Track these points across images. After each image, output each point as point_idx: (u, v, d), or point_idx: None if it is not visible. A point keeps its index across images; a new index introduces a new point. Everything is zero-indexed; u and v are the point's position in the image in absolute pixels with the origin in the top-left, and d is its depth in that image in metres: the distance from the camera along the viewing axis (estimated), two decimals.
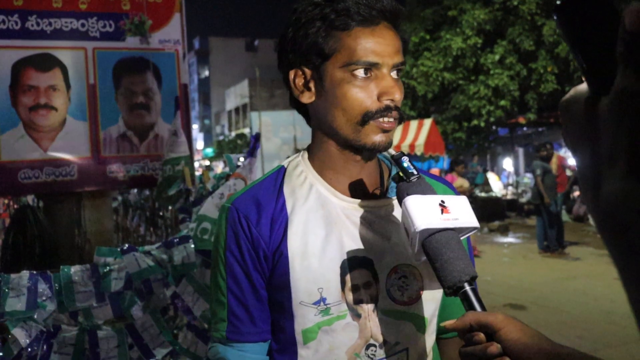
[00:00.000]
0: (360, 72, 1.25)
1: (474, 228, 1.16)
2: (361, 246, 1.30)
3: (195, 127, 62.90)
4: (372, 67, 1.26)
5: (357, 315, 1.28)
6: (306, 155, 1.41)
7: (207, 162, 41.24)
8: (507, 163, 25.25)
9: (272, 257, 1.30)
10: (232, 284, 1.33)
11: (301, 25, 1.29)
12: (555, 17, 0.62)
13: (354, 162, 1.35)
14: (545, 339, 1.01)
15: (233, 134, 48.80)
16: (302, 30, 1.29)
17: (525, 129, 23.29)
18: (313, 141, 1.40)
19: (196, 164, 34.10)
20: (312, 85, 1.32)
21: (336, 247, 1.28)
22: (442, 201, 1.14)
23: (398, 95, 1.27)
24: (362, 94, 1.26)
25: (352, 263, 1.28)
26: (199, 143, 59.60)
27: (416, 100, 21.55)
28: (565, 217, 14.85)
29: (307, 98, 1.33)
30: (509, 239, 13.47)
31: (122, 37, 3.76)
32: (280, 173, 1.39)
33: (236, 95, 52.29)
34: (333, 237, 1.29)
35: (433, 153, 16.61)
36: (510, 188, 20.78)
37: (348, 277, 1.28)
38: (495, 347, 0.99)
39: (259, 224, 1.30)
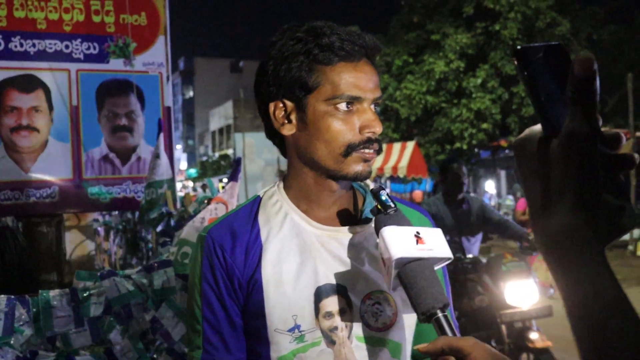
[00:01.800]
0: (342, 106, 1.28)
1: (448, 259, 1.20)
2: (336, 273, 1.32)
3: (178, 147, 62.76)
4: (354, 101, 1.29)
5: (331, 342, 1.30)
6: (282, 185, 1.43)
7: (190, 183, 41.06)
8: (490, 185, 25.42)
9: (246, 285, 1.31)
10: (207, 312, 1.33)
11: (283, 59, 1.31)
12: (514, 61, 0.66)
13: (329, 192, 1.37)
14: None
15: (217, 154, 48.71)
16: (284, 64, 1.31)
17: (507, 151, 23.48)
18: (289, 171, 1.42)
19: (180, 185, 33.97)
20: (293, 117, 1.34)
21: (310, 274, 1.30)
22: (418, 232, 1.18)
23: (378, 128, 1.31)
24: (344, 127, 1.29)
25: (326, 290, 1.30)
26: (183, 163, 59.39)
27: (399, 122, 21.70)
28: None
29: (287, 130, 1.35)
30: None
31: (106, 60, 3.76)
32: (255, 203, 1.42)
33: (220, 116, 52.29)
34: (307, 265, 1.31)
35: (416, 175, 16.70)
36: None
37: (322, 304, 1.30)
38: None
39: (233, 253, 1.32)
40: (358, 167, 1.31)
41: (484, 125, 19.89)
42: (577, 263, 0.64)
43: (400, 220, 1.22)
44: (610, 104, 20.33)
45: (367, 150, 1.30)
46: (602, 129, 0.64)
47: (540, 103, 0.66)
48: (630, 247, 13.22)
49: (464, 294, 4.86)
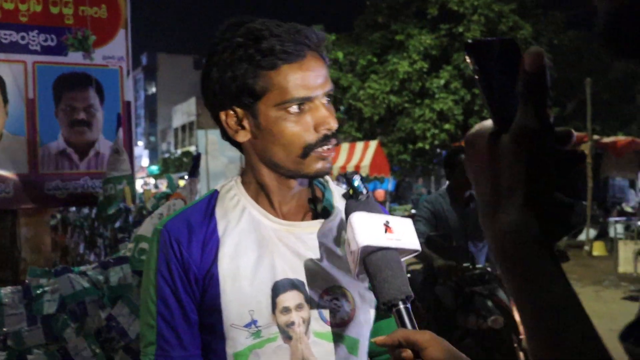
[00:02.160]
0: (294, 108, 1.27)
1: (415, 250, 1.19)
2: (293, 268, 1.31)
3: (140, 144, 61.98)
4: (305, 102, 1.27)
5: (288, 338, 1.29)
6: (239, 179, 1.41)
7: (152, 180, 40.60)
8: None
9: (202, 280, 1.29)
10: (162, 307, 1.31)
11: (227, 66, 1.28)
12: (465, 55, 0.66)
13: (288, 187, 1.36)
14: None
15: (179, 151, 48.26)
16: (229, 72, 1.28)
17: None
18: (247, 169, 1.40)
19: (141, 182, 33.53)
20: (246, 124, 1.32)
21: (268, 269, 1.29)
22: (387, 221, 1.18)
23: (333, 123, 1.29)
24: (298, 128, 1.27)
25: (284, 285, 1.29)
26: (144, 160, 58.70)
27: (362, 122, 21.79)
28: None
29: (242, 137, 1.34)
30: None
31: (64, 52, 3.67)
32: (213, 197, 1.39)
33: (183, 112, 51.82)
34: (265, 260, 1.30)
35: (378, 174, 16.79)
36: None
37: (279, 299, 1.29)
38: None
39: (190, 247, 1.30)
40: (318, 165, 1.30)
41: (447, 126, 20.10)
42: (526, 261, 0.63)
43: (371, 208, 1.22)
44: (569, 108, 20.74)
45: (325, 148, 1.29)
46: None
47: (491, 98, 0.65)
48: (587, 248, 13.50)
49: (471, 310, 4.17)
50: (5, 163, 3.55)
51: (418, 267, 5.36)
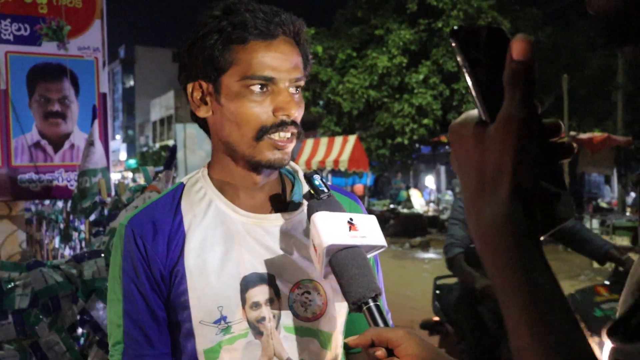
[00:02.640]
0: (256, 87, 1.23)
1: (382, 246, 1.17)
2: (262, 262, 1.27)
3: (118, 137, 61.43)
4: (268, 82, 1.24)
5: (259, 333, 1.26)
6: (206, 171, 1.37)
7: (130, 174, 40.26)
8: (429, 180, 25.83)
9: (169, 277, 1.25)
10: (128, 305, 1.27)
11: (199, 37, 1.25)
12: (451, 42, 0.64)
13: (254, 177, 1.32)
14: (444, 355, 1.03)
15: (157, 145, 47.90)
16: (199, 43, 1.25)
17: (447, 147, 23.89)
18: (213, 157, 1.37)
19: (119, 175, 33.24)
20: (208, 99, 1.29)
21: (236, 263, 1.25)
22: (351, 219, 1.15)
23: (294, 111, 1.25)
24: (257, 109, 1.23)
25: (253, 279, 1.26)
26: (122, 154, 58.18)
27: (341, 116, 21.79)
28: None
29: (204, 112, 1.30)
30: (430, 255, 13.72)
31: (38, 42, 3.62)
32: (178, 190, 1.35)
33: (161, 106, 51.41)
34: (233, 254, 1.26)
35: (357, 169, 16.81)
36: (432, 205, 21.23)
37: (249, 294, 1.25)
38: None
39: (155, 243, 1.26)
40: (271, 154, 1.25)
41: (425, 121, 20.17)
42: (512, 255, 0.62)
43: (333, 206, 1.19)
44: (546, 104, 20.91)
45: (281, 135, 1.25)
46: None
47: (476, 86, 0.64)
48: None
49: None
50: None
51: (449, 281, 4.65)
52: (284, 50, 1.25)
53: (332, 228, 1.12)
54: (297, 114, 1.26)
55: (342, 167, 16.24)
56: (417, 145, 22.47)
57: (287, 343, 1.27)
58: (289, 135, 1.26)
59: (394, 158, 21.95)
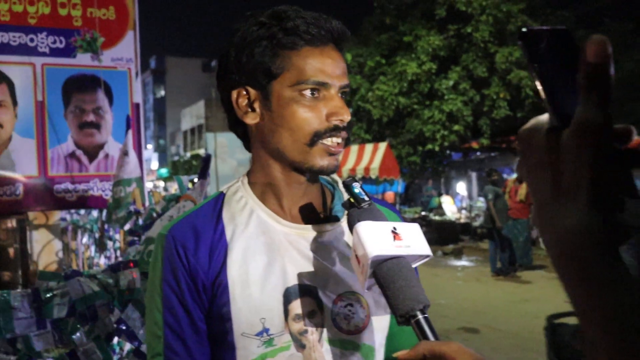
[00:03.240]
0: (308, 92, 1.22)
1: (426, 256, 1.13)
2: (305, 274, 1.25)
3: (150, 147, 62.11)
4: (320, 88, 1.23)
5: (301, 346, 1.23)
6: (246, 180, 1.35)
7: (161, 183, 40.68)
8: (461, 187, 25.60)
9: (211, 288, 1.23)
10: (169, 316, 1.25)
11: (246, 44, 1.24)
12: (520, 44, 0.61)
13: (297, 186, 1.30)
14: None
15: (188, 154, 48.33)
16: (247, 50, 1.24)
17: (478, 153, 23.68)
18: (253, 165, 1.34)
19: (150, 185, 33.62)
20: (257, 105, 1.27)
21: (279, 275, 1.23)
22: (394, 228, 1.11)
23: (347, 116, 1.24)
24: (310, 114, 1.22)
25: (296, 291, 1.23)
26: (154, 163, 58.83)
27: (371, 124, 21.74)
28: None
29: (251, 119, 1.28)
30: (463, 262, 13.59)
31: (73, 54, 3.67)
32: (219, 199, 1.33)
33: (192, 115, 51.91)
34: (275, 265, 1.23)
35: (388, 176, 16.74)
36: (463, 212, 21.04)
37: (291, 306, 1.22)
38: None
39: (196, 253, 1.23)
40: (324, 160, 1.24)
41: (456, 127, 20.01)
42: (593, 265, 0.58)
43: (376, 215, 1.15)
44: None
45: (333, 140, 1.24)
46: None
47: (547, 90, 0.61)
48: None
49: None
50: (15, 165, 3.54)
51: (571, 320, 4.10)
52: (335, 57, 1.25)
53: (377, 238, 1.08)
54: (349, 119, 1.25)
55: (373, 174, 16.18)
56: (447, 151, 22.30)
57: (329, 356, 1.24)
58: (340, 140, 1.25)
59: (424, 165, 21.82)
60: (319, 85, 1.22)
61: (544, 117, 0.63)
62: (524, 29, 0.61)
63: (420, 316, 1.04)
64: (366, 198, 1.18)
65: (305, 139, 1.22)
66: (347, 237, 1.31)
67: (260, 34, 1.24)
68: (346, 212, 1.33)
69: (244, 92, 1.28)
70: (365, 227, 1.10)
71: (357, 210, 1.16)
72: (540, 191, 0.63)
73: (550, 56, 0.60)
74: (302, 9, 1.28)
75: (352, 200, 1.19)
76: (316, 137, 1.22)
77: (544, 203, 0.62)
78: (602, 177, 0.57)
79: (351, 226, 1.14)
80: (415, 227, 1.15)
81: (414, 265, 1.13)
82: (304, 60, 1.22)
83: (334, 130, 1.23)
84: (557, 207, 0.60)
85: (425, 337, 1.03)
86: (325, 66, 1.23)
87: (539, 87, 0.61)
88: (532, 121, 0.64)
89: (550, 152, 0.61)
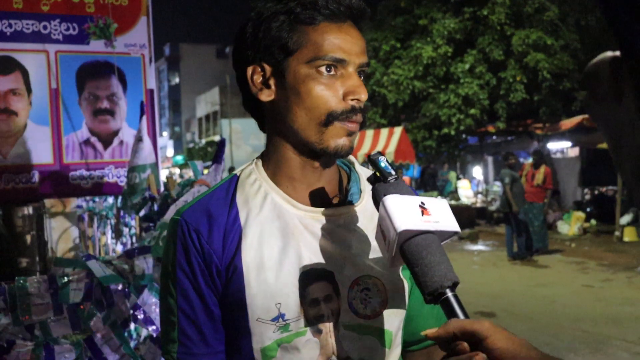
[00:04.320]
0: (324, 69, 1.19)
1: (455, 232, 1.10)
2: (321, 258, 1.22)
3: (165, 134, 62.35)
4: (338, 65, 1.19)
5: (317, 331, 1.21)
6: (260, 162, 1.32)
7: (177, 170, 40.84)
8: (477, 171, 25.46)
9: (225, 272, 1.21)
10: (183, 302, 1.24)
11: (263, 19, 1.22)
12: None
13: (312, 168, 1.27)
14: (533, 348, 0.95)
15: (203, 141, 48.45)
16: (264, 25, 1.21)
17: (494, 137, 23.50)
18: (268, 147, 1.32)
19: (166, 172, 33.82)
20: (272, 82, 1.24)
21: (294, 259, 1.21)
22: (422, 202, 1.08)
23: (364, 96, 1.20)
24: (327, 92, 1.19)
25: (312, 276, 1.21)
26: (169, 150, 59.05)
27: (387, 108, 21.63)
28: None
29: (266, 96, 1.25)
30: (479, 247, 13.54)
31: (86, 41, 3.66)
32: (232, 182, 1.31)
33: (207, 102, 51.99)
34: (290, 249, 1.21)
35: (403, 161, 16.68)
36: (480, 196, 20.93)
37: (307, 291, 1.20)
38: (480, 357, 0.93)
39: (210, 238, 1.22)
40: (340, 141, 1.21)
41: (472, 111, 19.85)
42: None
43: (403, 189, 1.11)
44: None
45: (350, 121, 1.20)
46: None
47: (616, 22, 0.62)
48: (617, 233, 13.27)
49: None
50: (30, 153, 3.55)
51: None
52: (353, 34, 1.22)
53: (405, 212, 1.05)
54: (365, 98, 1.22)
55: (389, 159, 16.12)
56: (463, 135, 22.14)
57: (347, 341, 1.23)
58: (356, 122, 1.22)
59: (440, 149, 21.68)
60: (336, 61, 1.19)
61: (610, 52, 0.66)
62: None
63: (449, 293, 1.02)
64: (392, 172, 1.14)
65: (321, 118, 1.19)
66: (364, 220, 1.28)
67: (277, 8, 1.21)
68: (362, 194, 1.31)
69: (259, 69, 1.25)
70: (393, 201, 1.07)
71: (383, 185, 1.13)
72: (611, 118, 0.65)
73: None
74: None
75: (377, 174, 1.15)
76: (332, 117, 1.19)
77: (616, 128, 0.64)
78: None
79: (376, 200, 1.12)
80: (444, 202, 1.12)
81: (442, 243, 1.09)
82: (321, 36, 1.19)
83: (350, 112, 1.20)
84: (628, 127, 0.62)
85: (455, 316, 1.00)
86: (344, 43, 1.20)
87: (606, 19, 0.63)
88: (598, 57, 0.68)
89: (616, 79, 0.63)
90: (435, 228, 1.06)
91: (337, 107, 1.19)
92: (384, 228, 1.07)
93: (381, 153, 1.18)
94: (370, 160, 1.17)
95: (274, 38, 1.21)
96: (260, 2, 1.25)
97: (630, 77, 0.61)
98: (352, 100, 1.20)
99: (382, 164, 1.15)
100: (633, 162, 0.62)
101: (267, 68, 1.24)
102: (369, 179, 1.18)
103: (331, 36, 1.19)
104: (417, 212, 1.06)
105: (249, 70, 1.25)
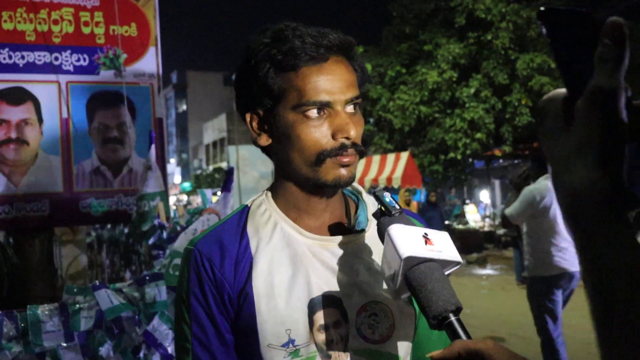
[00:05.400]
0: (313, 113, 1.23)
1: (457, 263, 1.14)
2: (329, 284, 1.26)
3: (172, 161, 62.58)
4: (324, 107, 1.23)
5: (326, 357, 1.24)
6: (270, 194, 1.37)
7: (184, 197, 40.91)
8: (484, 195, 25.43)
9: (237, 300, 1.25)
10: (196, 329, 1.27)
11: (251, 67, 1.26)
12: (539, 22, 0.67)
13: (318, 199, 1.32)
14: None
15: (211, 167, 48.64)
16: (252, 72, 1.26)
17: (501, 161, 23.54)
18: (276, 180, 1.37)
19: (174, 199, 33.87)
20: (267, 127, 1.30)
21: (303, 286, 1.25)
22: (426, 233, 1.12)
23: (353, 132, 1.24)
24: (316, 134, 1.23)
25: (320, 302, 1.25)
26: (177, 177, 59.26)
27: (393, 133, 21.71)
28: None
29: (264, 141, 1.31)
30: (487, 271, 13.48)
31: (96, 71, 3.72)
32: (243, 213, 1.36)
33: (214, 129, 52.25)
34: (300, 276, 1.25)
35: (410, 186, 16.68)
36: (487, 220, 20.88)
37: (316, 317, 1.24)
38: None
39: (222, 266, 1.26)
40: (336, 172, 1.25)
41: (478, 135, 19.91)
42: (590, 220, 0.63)
43: (406, 222, 1.16)
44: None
45: (342, 156, 1.24)
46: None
47: (563, 65, 0.67)
48: None
49: None
50: (41, 182, 3.59)
51: None
52: (336, 71, 1.25)
53: (409, 241, 1.09)
54: (356, 134, 1.25)
55: (396, 184, 16.15)
56: (470, 160, 22.19)
57: None
58: (350, 156, 1.25)
59: (447, 174, 21.72)
60: (321, 105, 1.23)
61: (562, 89, 0.70)
62: (541, 8, 0.66)
63: (452, 318, 1.05)
64: (397, 206, 1.19)
65: (312, 158, 1.24)
66: (371, 247, 1.32)
67: (262, 55, 1.25)
68: (369, 223, 1.35)
69: (255, 115, 1.30)
70: (397, 230, 1.11)
71: (387, 218, 1.17)
72: (554, 152, 0.68)
73: (567, 33, 0.66)
74: (315, 22, 1.29)
75: (382, 209, 1.20)
76: (322, 156, 1.23)
77: (558, 164, 0.67)
78: (610, 137, 0.62)
79: (382, 234, 1.15)
80: (445, 235, 1.16)
81: (445, 273, 1.13)
82: (303, 81, 1.23)
83: (340, 149, 1.24)
84: (570, 167, 0.65)
85: (458, 338, 1.03)
86: (326, 83, 1.23)
87: (556, 62, 0.68)
88: (551, 92, 0.71)
89: (565, 116, 0.67)
90: (439, 257, 1.10)
91: (327, 146, 1.23)
92: (389, 257, 1.12)
93: (384, 189, 1.23)
94: (375, 197, 1.22)
95: (261, 86, 1.25)
96: (252, 43, 1.29)
97: (576, 115, 0.65)
98: (341, 137, 1.23)
99: (387, 199, 1.20)
100: (567, 199, 0.65)
101: (261, 114, 1.30)
102: (375, 215, 1.22)
103: (313, 79, 1.23)
104: (421, 241, 1.10)
105: (247, 117, 1.32)
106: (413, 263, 1.08)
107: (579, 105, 0.65)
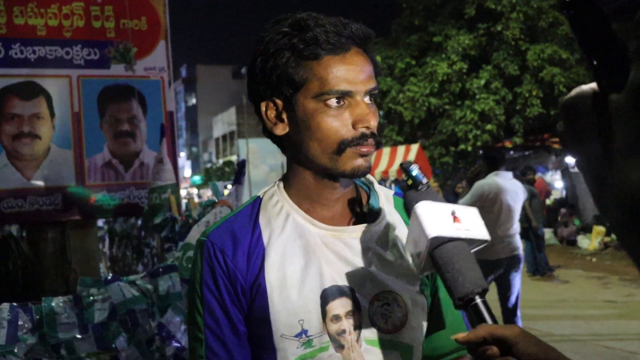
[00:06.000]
0: (333, 102, 1.23)
1: (485, 241, 1.12)
2: (342, 275, 1.26)
3: (182, 154, 62.68)
4: (345, 96, 1.24)
5: (340, 346, 1.24)
6: (282, 184, 1.37)
7: (195, 190, 41.02)
8: None
9: (249, 291, 1.26)
10: (209, 319, 1.28)
11: (270, 55, 1.26)
12: (565, 15, 0.63)
13: (331, 190, 1.32)
14: (561, 354, 0.97)
15: (220, 161, 48.71)
16: (271, 61, 1.26)
17: (511, 152, 23.42)
18: (288, 170, 1.37)
19: (184, 192, 33.97)
20: (284, 116, 1.30)
21: (316, 276, 1.25)
22: (454, 210, 1.10)
23: (373, 122, 1.25)
24: (336, 123, 1.23)
25: (333, 292, 1.25)
26: (187, 171, 59.38)
27: (403, 125, 21.64)
28: (552, 239, 14.87)
29: (280, 130, 1.31)
30: None
31: (107, 65, 3.74)
32: (255, 204, 1.36)
33: (223, 122, 52.27)
34: (312, 267, 1.26)
35: None
36: None
37: (329, 307, 1.24)
38: None
39: (235, 257, 1.27)
40: (355, 162, 1.25)
41: (488, 127, 19.81)
42: None
43: (434, 197, 1.14)
44: None
45: (362, 146, 1.24)
46: None
47: (596, 57, 0.63)
48: None
49: None
50: (53, 176, 3.62)
51: None
52: (358, 62, 1.26)
53: (437, 219, 1.07)
54: (375, 124, 1.26)
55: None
56: (480, 151, 22.10)
57: (368, 356, 1.26)
58: (369, 145, 1.25)
59: (457, 165, 21.64)
60: (342, 94, 1.23)
61: (587, 86, 0.65)
62: None
63: (478, 300, 1.04)
64: (424, 180, 1.17)
65: (333, 148, 1.24)
66: (383, 237, 1.32)
67: (282, 44, 1.25)
68: (381, 213, 1.35)
69: (272, 104, 1.30)
70: (425, 208, 1.09)
71: (414, 193, 1.16)
72: (591, 154, 0.64)
73: (596, 25, 0.62)
74: (324, 14, 1.28)
75: (409, 182, 1.18)
76: (343, 145, 1.24)
77: (596, 165, 0.64)
78: None
79: (408, 208, 1.14)
80: (474, 211, 1.14)
81: (472, 251, 1.12)
82: (325, 70, 1.23)
83: (360, 139, 1.24)
84: (608, 166, 0.62)
85: (484, 321, 1.02)
86: (348, 73, 1.23)
87: (587, 54, 0.63)
88: (576, 90, 0.67)
89: (599, 115, 0.62)
90: (466, 235, 1.08)
91: (347, 136, 1.24)
92: (415, 235, 1.10)
93: (412, 162, 1.21)
94: (403, 168, 1.19)
95: (281, 74, 1.25)
96: (267, 34, 1.29)
97: (616, 111, 0.61)
98: (361, 127, 1.24)
99: (414, 172, 1.18)
100: (626, 201, 0.61)
101: (279, 103, 1.29)
102: (402, 187, 1.21)
103: (335, 69, 1.23)
104: (448, 219, 1.08)
105: (263, 105, 1.31)
106: (440, 242, 1.07)
107: (617, 104, 0.61)
